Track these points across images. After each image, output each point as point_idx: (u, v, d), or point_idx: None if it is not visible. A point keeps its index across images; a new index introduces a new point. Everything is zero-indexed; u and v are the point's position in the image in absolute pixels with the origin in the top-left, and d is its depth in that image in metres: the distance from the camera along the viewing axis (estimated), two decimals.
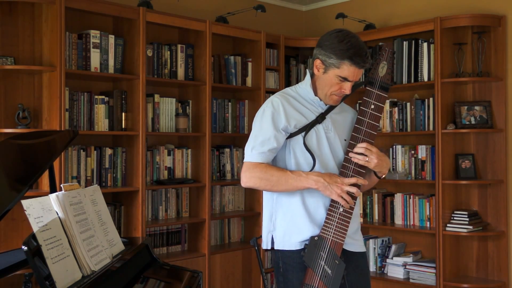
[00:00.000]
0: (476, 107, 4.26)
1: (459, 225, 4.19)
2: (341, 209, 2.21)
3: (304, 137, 2.25)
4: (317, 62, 2.28)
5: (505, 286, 4.18)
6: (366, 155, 2.22)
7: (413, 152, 4.50)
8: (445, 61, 4.29)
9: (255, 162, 2.24)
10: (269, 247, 2.33)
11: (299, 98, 2.33)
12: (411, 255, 4.48)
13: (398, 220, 4.60)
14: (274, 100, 2.29)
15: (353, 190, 2.19)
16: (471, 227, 4.15)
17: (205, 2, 4.75)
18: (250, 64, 4.72)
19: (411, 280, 4.41)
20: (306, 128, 2.26)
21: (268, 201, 2.36)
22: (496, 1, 4.30)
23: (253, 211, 4.70)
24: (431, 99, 4.38)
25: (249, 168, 2.25)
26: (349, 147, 2.26)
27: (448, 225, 4.23)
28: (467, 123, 4.25)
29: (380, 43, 4.69)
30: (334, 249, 2.21)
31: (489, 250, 4.27)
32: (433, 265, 4.29)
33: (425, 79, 4.38)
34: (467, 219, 4.16)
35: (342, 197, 2.17)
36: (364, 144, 2.23)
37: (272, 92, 4.84)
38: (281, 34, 4.93)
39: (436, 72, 4.26)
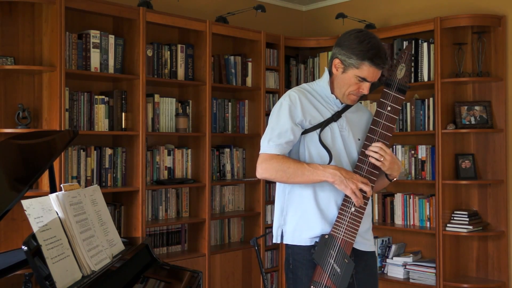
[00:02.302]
0: (476, 107, 4.26)
1: (459, 225, 4.19)
2: (352, 209, 2.22)
3: (319, 134, 2.26)
4: (336, 61, 2.27)
5: (505, 286, 4.18)
6: (381, 155, 2.24)
7: (413, 152, 4.50)
8: (445, 61, 4.29)
9: (272, 153, 2.24)
10: (279, 241, 2.35)
11: (315, 94, 2.34)
12: (411, 255, 4.48)
13: (398, 220, 4.60)
14: (291, 94, 2.30)
15: (367, 189, 2.20)
16: (471, 227, 4.15)
17: (205, 2, 4.75)
18: (250, 64, 4.72)
19: (411, 280, 4.41)
20: (322, 125, 2.27)
21: (280, 195, 2.37)
22: (496, 1, 4.30)
23: (253, 211, 4.70)
24: (431, 99, 4.38)
25: (266, 160, 2.25)
26: (364, 147, 2.27)
27: (448, 225, 4.23)
28: (467, 123, 4.25)
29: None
30: (344, 248, 2.22)
31: (489, 250, 4.27)
32: (433, 265, 4.29)
33: (425, 79, 4.38)
34: (467, 219, 4.16)
35: (355, 194, 2.17)
36: (379, 144, 2.25)
37: (272, 92, 4.85)
38: (281, 34, 4.93)
39: (436, 72, 4.26)
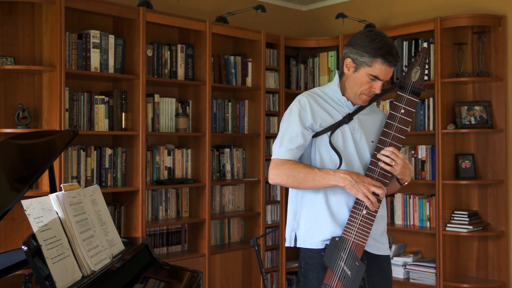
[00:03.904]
0: (476, 107, 4.26)
1: (459, 225, 4.19)
2: (364, 211, 2.21)
3: (330, 137, 2.26)
4: (348, 61, 2.27)
5: (505, 286, 4.18)
6: (392, 159, 2.22)
7: (413, 152, 4.50)
8: (445, 61, 4.29)
9: (283, 159, 2.25)
10: (292, 245, 2.35)
11: (326, 98, 2.34)
12: (411, 255, 4.48)
13: (398, 220, 4.60)
14: (301, 99, 2.31)
15: (379, 191, 2.18)
16: (471, 227, 4.15)
17: (205, 2, 4.75)
18: (250, 64, 4.72)
19: (411, 280, 4.41)
20: (332, 128, 2.27)
21: (293, 199, 2.37)
22: (496, 1, 4.30)
23: (253, 211, 4.70)
24: (431, 99, 4.38)
25: (277, 165, 2.26)
26: (376, 150, 2.26)
27: (448, 225, 4.23)
28: (467, 123, 4.25)
29: None
30: (355, 251, 2.20)
31: (489, 250, 4.27)
32: (433, 265, 4.29)
33: (425, 79, 4.37)
34: (467, 219, 4.16)
35: (367, 197, 2.16)
36: (391, 148, 2.24)
37: (272, 92, 4.85)
38: (281, 34, 4.93)
39: (436, 72, 4.26)
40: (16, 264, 2.18)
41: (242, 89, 4.72)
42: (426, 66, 2.33)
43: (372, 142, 2.34)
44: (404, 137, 2.28)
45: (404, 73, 2.32)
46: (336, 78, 2.35)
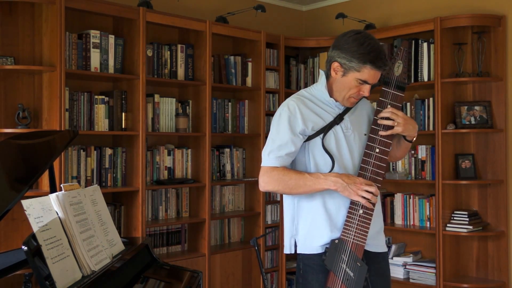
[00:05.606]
0: (476, 107, 4.26)
1: (459, 225, 4.19)
2: (360, 211, 2.19)
3: (322, 139, 2.23)
4: (335, 65, 2.23)
5: (505, 286, 4.18)
6: (393, 120, 2.23)
7: (413, 152, 4.50)
8: (445, 61, 4.29)
9: (273, 166, 2.22)
10: (293, 252, 2.32)
11: (314, 100, 2.30)
12: (411, 255, 4.48)
13: (398, 220, 4.60)
14: (290, 104, 2.26)
15: (372, 189, 2.16)
16: (471, 227, 4.15)
17: (205, 2, 4.75)
18: (250, 64, 4.72)
19: (411, 280, 4.41)
20: (324, 130, 2.24)
21: (290, 205, 2.34)
22: (496, 1, 4.30)
23: (253, 211, 4.70)
24: (431, 99, 4.38)
25: (267, 172, 2.23)
26: (367, 148, 2.25)
27: (448, 225, 4.24)
28: (467, 123, 4.25)
29: (381, 43, 4.68)
30: (355, 252, 2.19)
31: (489, 250, 4.27)
32: (433, 265, 4.29)
33: (425, 79, 4.38)
34: (467, 219, 4.16)
35: (362, 197, 2.15)
36: (389, 109, 2.23)
37: (272, 92, 4.85)
38: (281, 34, 4.93)
39: (436, 72, 4.26)
40: (16, 264, 2.18)
41: (242, 89, 4.72)
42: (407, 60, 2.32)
43: (365, 135, 2.32)
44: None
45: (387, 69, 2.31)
46: (323, 79, 2.31)
